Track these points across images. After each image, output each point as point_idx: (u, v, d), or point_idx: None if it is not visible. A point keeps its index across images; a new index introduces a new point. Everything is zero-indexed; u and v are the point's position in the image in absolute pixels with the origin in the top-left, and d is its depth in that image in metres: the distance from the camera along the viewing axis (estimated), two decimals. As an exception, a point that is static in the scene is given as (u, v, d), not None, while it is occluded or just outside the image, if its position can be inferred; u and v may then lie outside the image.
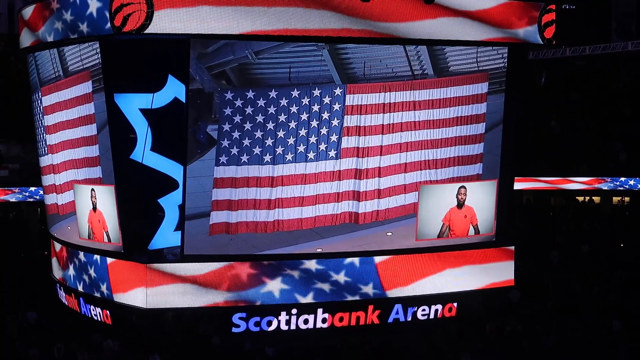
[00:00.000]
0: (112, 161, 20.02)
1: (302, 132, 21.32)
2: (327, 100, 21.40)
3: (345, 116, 21.52)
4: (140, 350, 20.94)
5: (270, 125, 20.82)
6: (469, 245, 22.47)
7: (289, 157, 21.10)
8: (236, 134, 20.55)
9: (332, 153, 21.54)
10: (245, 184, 20.99)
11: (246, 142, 20.64)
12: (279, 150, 21.05)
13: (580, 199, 33.74)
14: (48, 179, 23.94)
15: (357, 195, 22.12)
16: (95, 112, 20.78)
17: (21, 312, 23.64)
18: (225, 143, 20.58)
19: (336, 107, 21.44)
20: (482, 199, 22.56)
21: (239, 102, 20.43)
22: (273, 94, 20.91)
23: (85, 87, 20.97)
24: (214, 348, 21.32)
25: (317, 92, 21.36)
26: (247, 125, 20.58)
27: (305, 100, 21.13)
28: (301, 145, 21.33)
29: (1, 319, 23.33)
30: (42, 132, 23.62)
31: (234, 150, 20.63)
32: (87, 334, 21.87)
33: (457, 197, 22.53)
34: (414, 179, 22.51)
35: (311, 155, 21.42)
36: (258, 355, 21.12)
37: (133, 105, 19.58)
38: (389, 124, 22.19)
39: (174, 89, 19.51)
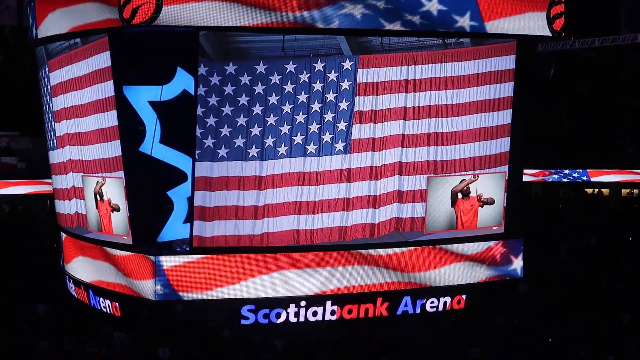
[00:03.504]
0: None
1: (300, 118, 18.27)
2: (332, 76, 18.30)
3: (357, 97, 18.59)
4: (150, 342, 20.98)
5: (258, 109, 17.94)
6: (477, 237, 22.37)
7: (282, 150, 18.44)
8: (211, 121, 18.05)
9: (340, 146, 18.80)
10: (224, 185, 18.49)
11: (225, 131, 18.04)
12: (269, 141, 18.18)
13: (589, 191, 33.66)
14: (60, 181, 22.75)
15: (373, 201, 19.59)
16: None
17: (31, 304, 23.71)
18: (198, 132, 18.24)
19: (345, 85, 18.42)
20: (491, 191, 22.33)
21: (215, 79, 17.94)
22: (261, 68, 17.78)
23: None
24: (224, 341, 21.35)
25: (319, 66, 18.17)
26: (227, 109, 17.97)
27: (304, 77, 18.02)
28: (298, 135, 18.39)
29: (11, 311, 23.39)
30: (51, 120, 22.50)
31: (209, 142, 18.22)
32: (97, 327, 21.92)
33: (461, 189, 21.56)
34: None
35: (312, 148, 18.60)
36: (267, 348, 21.14)
37: (142, 98, 19.49)
38: (414, 108, 19.16)
39: (183, 82, 19.41)
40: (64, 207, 22.76)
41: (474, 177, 21.18)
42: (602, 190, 33.89)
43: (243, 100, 17.86)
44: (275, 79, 17.92)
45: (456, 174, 20.74)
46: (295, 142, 18.41)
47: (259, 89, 17.92)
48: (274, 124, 18.06)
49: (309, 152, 18.56)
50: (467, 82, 19.59)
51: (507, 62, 20.38)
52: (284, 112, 18.11)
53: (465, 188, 21.30)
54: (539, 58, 22.77)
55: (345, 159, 18.92)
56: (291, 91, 18.08)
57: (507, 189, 21.99)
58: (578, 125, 32.78)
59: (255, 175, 18.46)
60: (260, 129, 18.07)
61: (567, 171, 30.42)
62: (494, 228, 22.17)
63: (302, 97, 18.18)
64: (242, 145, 18.10)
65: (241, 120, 17.91)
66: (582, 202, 32.95)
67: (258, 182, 18.42)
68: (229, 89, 17.73)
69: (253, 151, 18.16)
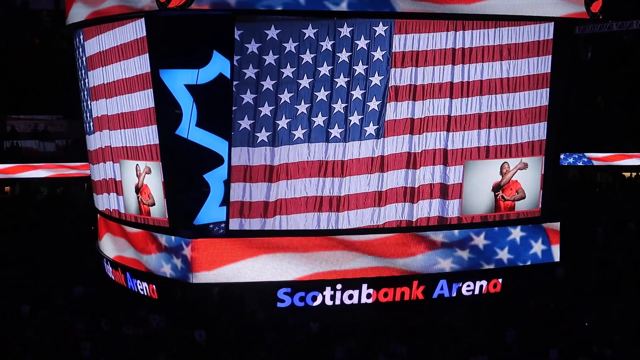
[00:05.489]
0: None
1: (322, 95, 15.79)
2: (362, 44, 15.82)
3: (393, 70, 16.35)
4: (186, 324, 21.02)
5: (268, 84, 15.79)
6: (514, 221, 22.14)
7: (299, 134, 16.31)
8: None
9: (371, 129, 16.52)
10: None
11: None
12: (282, 123, 16.03)
13: (627, 174, 33.36)
14: (97, 172, 22.39)
15: (410, 194, 17.78)
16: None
17: (69, 286, 23.85)
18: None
19: (378, 55, 16.10)
20: (528, 174, 22.03)
21: None
22: (272, 33, 15.59)
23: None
24: (259, 323, 21.35)
25: (345, 31, 15.66)
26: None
27: (327, 44, 15.55)
28: (319, 115, 16.06)
29: (49, 293, 23.57)
30: (87, 99, 22.06)
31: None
32: (134, 308, 22.00)
33: (500, 173, 21.10)
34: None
35: (336, 132, 16.34)
36: (302, 330, 21.12)
37: (178, 81, 19.51)
38: (462, 83, 17.00)
39: (219, 65, 19.36)
40: (102, 201, 22.73)
41: (523, 164, 20.25)
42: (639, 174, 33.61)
43: (250, 72, 15.85)
44: (291, 46, 15.83)
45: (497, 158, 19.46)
46: (315, 124, 16.35)
47: (269, 59, 15.86)
48: (288, 101, 16.04)
49: (332, 136, 16.58)
50: (527, 52, 17.50)
51: (544, 32, 18.53)
52: (301, 87, 15.97)
53: (512, 174, 20.52)
54: (575, 41, 22.30)
55: (378, 145, 16.79)
56: (310, 62, 16.03)
57: (544, 173, 21.74)
58: (614, 108, 32.54)
59: (265, 164, 16.46)
60: (271, 107, 15.97)
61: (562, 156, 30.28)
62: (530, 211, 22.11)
63: (324, 70, 16.10)
64: (248, 128, 16.13)
65: (247, 97, 15.94)
66: (620, 186, 32.66)
67: (269, 172, 16.46)
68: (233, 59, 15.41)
69: (262, 135, 16.16)
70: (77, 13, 21.22)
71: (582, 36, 25.51)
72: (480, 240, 21.43)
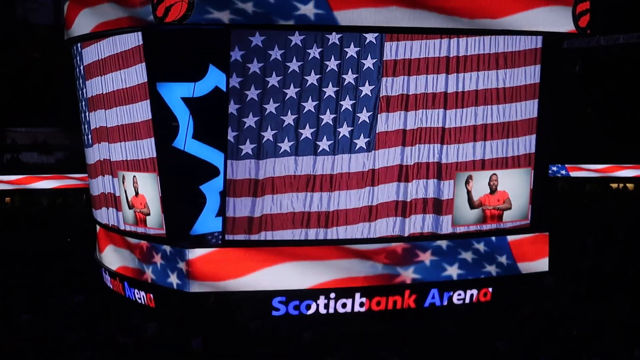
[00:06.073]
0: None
1: (309, 105, 14.93)
2: (352, 51, 14.99)
3: (384, 79, 15.46)
4: (183, 333, 21.27)
5: (252, 94, 14.89)
6: (504, 231, 22.37)
7: (285, 147, 15.40)
8: None
9: (362, 142, 15.63)
10: None
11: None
12: (268, 135, 15.18)
13: (614, 185, 33.70)
14: (97, 185, 22.19)
15: (402, 209, 17.04)
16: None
17: (66, 295, 24.14)
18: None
19: (368, 63, 15.22)
20: (517, 185, 22.09)
21: None
22: (256, 40, 14.70)
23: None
24: (252, 333, 21.63)
25: (334, 38, 14.85)
26: None
27: (314, 52, 14.69)
28: (306, 127, 15.25)
29: (45, 301, 23.89)
30: (85, 110, 21.74)
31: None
32: (129, 317, 22.27)
33: (489, 184, 20.86)
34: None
35: (324, 144, 15.52)
36: (293, 340, 21.40)
37: (175, 94, 19.72)
38: (456, 93, 16.04)
39: (214, 78, 19.57)
40: (101, 215, 22.65)
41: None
42: (627, 185, 33.92)
43: (233, 81, 14.94)
44: (276, 54, 14.94)
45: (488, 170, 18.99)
46: (302, 137, 15.49)
47: (253, 67, 15.08)
48: (274, 112, 15.18)
49: (320, 149, 15.75)
50: (523, 60, 16.87)
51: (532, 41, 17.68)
52: (288, 97, 15.15)
53: (493, 184, 20.44)
54: (565, 55, 22.53)
55: (369, 158, 16.01)
56: (297, 70, 15.16)
57: (533, 184, 21.94)
58: (604, 119, 32.87)
59: (249, 178, 15.83)
60: (255, 118, 15.10)
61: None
62: (519, 222, 22.32)
63: (312, 79, 15.21)
64: (232, 140, 15.35)
65: (231, 108, 14.94)
66: (609, 197, 32.99)
67: (253, 186, 15.79)
68: None
69: (246, 147, 15.41)
70: (82, 24, 21.16)
71: (571, 49, 25.96)
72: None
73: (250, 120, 15.44)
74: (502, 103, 17.72)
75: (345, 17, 15.38)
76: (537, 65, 19.33)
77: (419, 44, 16.06)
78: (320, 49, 14.86)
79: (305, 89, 15.12)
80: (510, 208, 21.06)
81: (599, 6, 20.71)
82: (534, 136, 20.45)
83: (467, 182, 18.60)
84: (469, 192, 19.22)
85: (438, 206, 18.06)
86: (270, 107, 15.12)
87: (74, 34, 21.70)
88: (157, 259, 20.79)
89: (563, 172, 31.72)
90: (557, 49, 22.41)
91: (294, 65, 15.12)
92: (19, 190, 30.02)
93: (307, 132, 15.20)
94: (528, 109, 18.64)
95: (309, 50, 14.89)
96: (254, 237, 16.87)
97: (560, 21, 20.59)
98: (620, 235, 28.99)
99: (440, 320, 22.22)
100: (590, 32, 22.30)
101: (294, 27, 15.73)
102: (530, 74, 18.23)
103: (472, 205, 19.60)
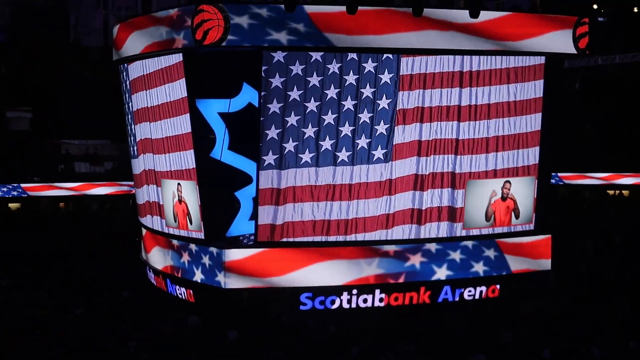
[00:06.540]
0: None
1: (329, 118, 14.39)
2: (369, 66, 14.48)
3: (400, 92, 14.87)
4: (220, 326, 21.32)
5: (275, 107, 14.37)
6: (511, 233, 22.24)
7: (306, 158, 15.07)
8: None
9: (379, 153, 15.13)
10: None
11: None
12: (289, 146, 14.72)
13: (611, 192, 33.56)
14: (142, 194, 22.10)
15: (417, 216, 16.48)
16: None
17: (115, 290, 24.31)
18: None
19: (385, 78, 14.69)
20: (522, 192, 21.97)
21: None
22: (279, 55, 14.07)
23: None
24: (283, 325, 21.64)
25: (352, 54, 14.33)
26: None
27: (334, 67, 14.19)
28: (326, 139, 14.71)
29: (97, 296, 24.06)
30: (131, 123, 21.63)
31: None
32: (172, 311, 22.37)
33: (502, 190, 20.57)
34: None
35: (343, 155, 14.99)
36: (320, 332, 21.41)
37: (212, 110, 19.83)
38: (470, 106, 15.51)
39: (248, 95, 19.65)
40: (146, 222, 22.75)
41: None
42: (622, 192, 33.74)
43: None
44: (297, 69, 14.53)
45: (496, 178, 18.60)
46: (322, 148, 15.12)
47: (276, 81, 14.72)
48: (295, 124, 14.78)
49: (340, 160, 15.40)
50: (533, 74, 16.51)
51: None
52: (309, 110, 14.72)
53: (506, 191, 20.13)
54: (565, 73, 22.41)
55: (386, 169, 15.57)
56: (317, 84, 14.81)
57: (537, 191, 21.81)
58: (602, 135, 32.76)
59: (272, 187, 15.26)
60: (278, 131, 14.82)
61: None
62: (525, 225, 22.18)
63: (331, 93, 14.82)
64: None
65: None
66: (606, 203, 32.81)
67: (275, 195, 15.24)
68: None
69: (269, 158, 15.00)
70: (133, 45, 21.09)
71: (571, 69, 25.88)
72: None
73: (272, 132, 15.23)
74: (512, 116, 17.40)
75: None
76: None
77: (433, 59, 15.75)
78: (339, 64, 14.50)
79: (325, 103, 14.82)
80: (518, 215, 20.68)
81: (597, 28, 20.51)
82: (536, 147, 20.27)
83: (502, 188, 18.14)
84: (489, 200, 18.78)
85: (452, 214, 17.77)
86: (292, 119, 14.87)
87: (125, 54, 21.87)
88: (196, 258, 20.83)
89: (556, 179, 31.57)
90: (558, 68, 22.38)
91: (314, 80, 14.84)
92: (72, 196, 30.59)
93: (327, 144, 14.82)
94: (537, 122, 18.28)
95: (328, 66, 14.59)
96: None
97: (563, 43, 20.65)
98: (618, 239, 28.82)
99: (450, 316, 22.10)
100: (589, 52, 22.25)
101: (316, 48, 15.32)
102: (539, 88, 17.90)
103: (487, 215, 19.24)
